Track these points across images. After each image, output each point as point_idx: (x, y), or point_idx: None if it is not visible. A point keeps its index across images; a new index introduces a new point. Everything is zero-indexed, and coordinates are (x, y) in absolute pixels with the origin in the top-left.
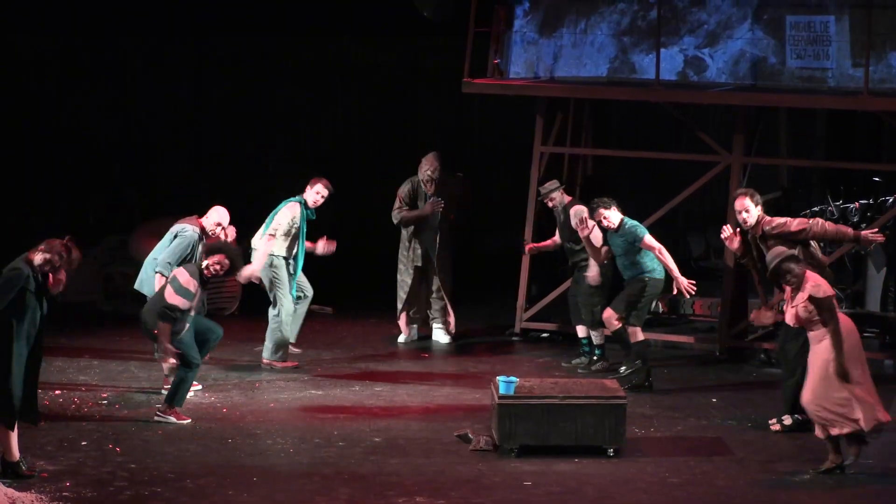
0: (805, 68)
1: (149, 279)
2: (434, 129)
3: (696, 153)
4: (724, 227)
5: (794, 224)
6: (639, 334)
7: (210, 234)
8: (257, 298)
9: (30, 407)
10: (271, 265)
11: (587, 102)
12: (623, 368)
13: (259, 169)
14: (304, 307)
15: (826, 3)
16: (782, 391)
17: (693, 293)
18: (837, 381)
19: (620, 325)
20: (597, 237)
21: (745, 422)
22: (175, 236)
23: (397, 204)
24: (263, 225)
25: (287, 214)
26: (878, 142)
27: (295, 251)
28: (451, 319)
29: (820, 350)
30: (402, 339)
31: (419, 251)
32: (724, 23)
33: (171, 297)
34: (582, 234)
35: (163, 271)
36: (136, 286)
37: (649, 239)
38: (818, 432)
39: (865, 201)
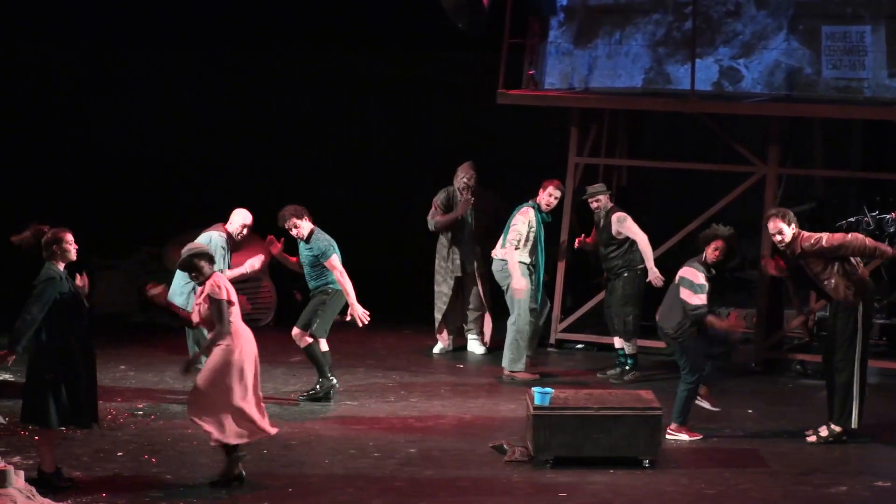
0: (841, 78)
1: (181, 290)
2: (468, 143)
3: (730, 164)
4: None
5: (832, 240)
6: (322, 345)
7: (236, 237)
8: (291, 310)
9: (82, 411)
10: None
11: (622, 113)
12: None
13: (274, 180)
14: (540, 320)
15: (862, 13)
16: (829, 401)
17: (366, 323)
18: (222, 389)
19: (311, 341)
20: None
21: (780, 433)
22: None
23: (432, 211)
24: (501, 237)
25: (523, 221)
26: None
27: (535, 258)
28: (488, 331)
29: (217, 353)
30: (437, 349)
31: (457, 262)
32: (760, 33)
33: (690, 298)
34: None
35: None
36: (169, 297)
37: (335, 259)
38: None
39: None
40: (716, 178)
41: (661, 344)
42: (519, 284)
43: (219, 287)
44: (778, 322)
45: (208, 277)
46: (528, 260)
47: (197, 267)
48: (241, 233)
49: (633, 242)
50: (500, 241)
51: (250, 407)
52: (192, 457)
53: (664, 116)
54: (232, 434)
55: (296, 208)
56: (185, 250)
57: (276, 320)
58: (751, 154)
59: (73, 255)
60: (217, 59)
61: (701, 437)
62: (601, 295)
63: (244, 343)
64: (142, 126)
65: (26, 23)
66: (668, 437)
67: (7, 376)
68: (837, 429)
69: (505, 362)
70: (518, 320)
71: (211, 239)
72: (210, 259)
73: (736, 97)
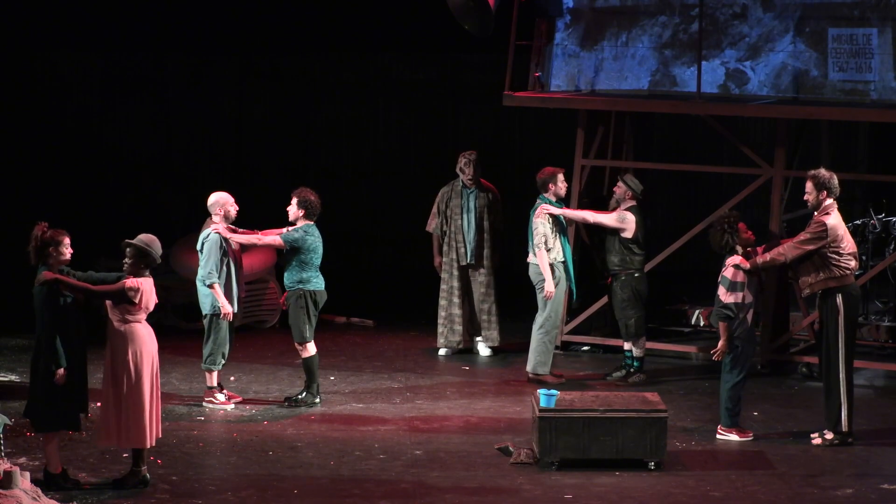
0: (847, 81)
1: (204, 297)
2: (474, 144)
3: (737, 166)
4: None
5: (810, 231)
6: (309, 349)
7: (229, 221)
8: None
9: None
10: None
11: (628, 115)
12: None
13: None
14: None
15: (868, 15)
16: (825, 406)
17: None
18: (126, 393)
19: (312, 353)
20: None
21: (786, 436)
22: (202, 245)
23: (434, 210)
24: (529, 245)
25: (542, 222)
26: None
27: (562, 253)
28: (495, 333)
29: (114, 356)
30: (443, 351)
31: (461, 251)
32: (766, 35)
33: (726, 297)
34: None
35: (212, 281)
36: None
37: (279, 242)
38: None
39: None
40: (722, 181)
41: (667, 346)
42: (549, 287)
43: (137, 286)
44: (784, 324)
45: (137, 274)
46: (561, 258)
47: (138, 260)
48: (226, 215)
49: (631, 242)
50: (531, 249)
51: (147, 410)
52: (198, 458)
53: (670, 119)
54: (131, 438)
55: (306, 193)
56: (147, 242)
57: (281, 322)
58: (757, 156)
59: (66, 258)
60: (249, 64)
61: (752, 437)
62: (607, 297)
63: (140, 345)
64: (180, 132)
65: (58, 30)
66: (718, 437)
67: (13, 377)
68: (843, 431)
69: (530, 366)
70: (546, 323)
71: (207, 237)
72: (150, 263)
73: (742, 99)
